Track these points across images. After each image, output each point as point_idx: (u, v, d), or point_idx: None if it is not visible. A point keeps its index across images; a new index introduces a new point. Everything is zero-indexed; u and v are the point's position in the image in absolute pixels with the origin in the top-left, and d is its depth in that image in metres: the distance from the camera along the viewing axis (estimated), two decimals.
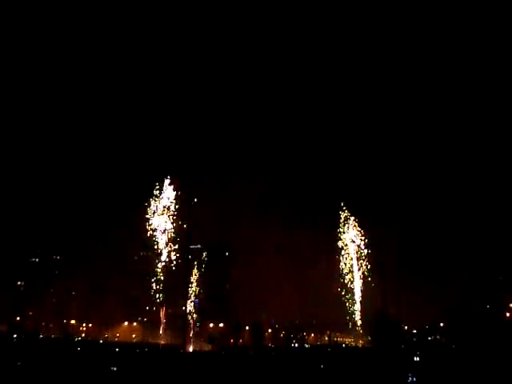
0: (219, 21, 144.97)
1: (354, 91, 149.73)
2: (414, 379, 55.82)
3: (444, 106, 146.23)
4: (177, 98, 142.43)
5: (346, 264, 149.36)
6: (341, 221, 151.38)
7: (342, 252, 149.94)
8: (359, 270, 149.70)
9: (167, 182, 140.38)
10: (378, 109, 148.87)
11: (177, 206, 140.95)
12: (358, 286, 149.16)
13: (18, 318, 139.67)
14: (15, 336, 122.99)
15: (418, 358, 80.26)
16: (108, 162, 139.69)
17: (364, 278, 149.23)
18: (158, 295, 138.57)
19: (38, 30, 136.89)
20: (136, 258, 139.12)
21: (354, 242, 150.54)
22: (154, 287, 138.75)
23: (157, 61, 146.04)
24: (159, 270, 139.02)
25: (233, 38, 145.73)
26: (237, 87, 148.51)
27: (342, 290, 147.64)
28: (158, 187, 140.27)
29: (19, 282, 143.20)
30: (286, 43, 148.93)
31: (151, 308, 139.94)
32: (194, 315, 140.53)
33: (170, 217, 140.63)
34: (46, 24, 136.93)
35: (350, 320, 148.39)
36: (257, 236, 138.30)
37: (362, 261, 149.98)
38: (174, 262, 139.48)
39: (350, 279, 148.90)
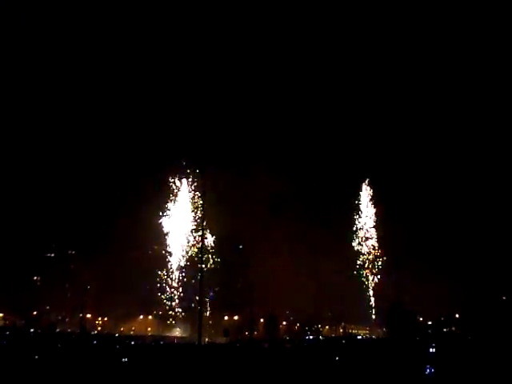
0: (222, 16, 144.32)
1: (364, 88, 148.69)
2: (433, 370, 55.42)
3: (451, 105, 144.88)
4: (194, 92, 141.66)
5: (360, 255, 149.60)
6: (355, 213, 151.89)
7: (357, 242, 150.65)
8: (374, 261, 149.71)
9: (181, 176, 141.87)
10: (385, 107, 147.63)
11: (191, 200, 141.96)
12: (372, 278, 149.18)
13: (35, 313, 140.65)
14: (32, 330, 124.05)
15: (433, 350, 79.86)
16: (122, 156, 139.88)
17: (379, 269, 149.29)
18: (172, 289, 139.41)
19: (37, 29, 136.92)
20: (150, 252, 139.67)
21: (368, 232, 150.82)
22: (169, 281, 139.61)
23: (165, 56, 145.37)
24: (173, 264, 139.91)
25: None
26: (252, 79, 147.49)
27: (356, 282, 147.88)
28: (171, 181, 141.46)
29: (35, 277, 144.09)
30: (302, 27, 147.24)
31: (166, 301, 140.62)
32: (209, 308, 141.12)
33: (184, 210, 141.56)
34: (46, 23, 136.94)
35: (364, 312, 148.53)
36: (271, 228, 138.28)
37: (376, 252, 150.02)
38: (188, 255, 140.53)
39: (364, 270, 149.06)
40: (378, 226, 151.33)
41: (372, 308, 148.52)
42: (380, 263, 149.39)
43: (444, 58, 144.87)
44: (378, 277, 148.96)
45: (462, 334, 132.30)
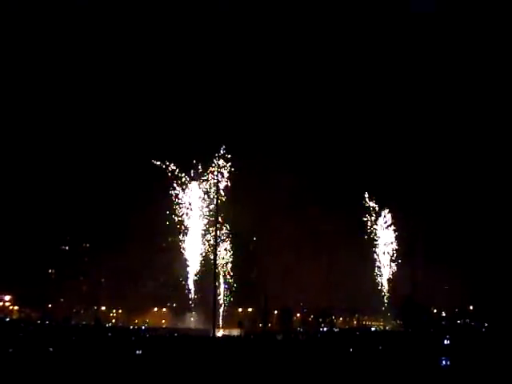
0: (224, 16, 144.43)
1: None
2: (448, 363, 55.14)
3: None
4: (212, 89, 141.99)
5: (374, 247, 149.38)
6: (367, 205, 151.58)
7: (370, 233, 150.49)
8: (388, 252, 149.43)
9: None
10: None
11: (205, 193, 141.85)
12: (386, 269, 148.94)
13: (50, 305, 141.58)
14: (47, 323, 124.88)
15: (448, 342, 79.68)
16: (137, 150, 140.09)
17: (393, 260, 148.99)
18: (186, 281, 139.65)
19: (37, 30, 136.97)
20: (164, 244, 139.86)
21: (381, 224, 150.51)
22: (183, 273, 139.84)
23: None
24: (187, 256, 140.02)
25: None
26: (274, 81, 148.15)
27: (370, 274, 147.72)
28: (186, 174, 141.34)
29: (50, 270, 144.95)
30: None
31: (180, 294, 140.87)
32: (223, 300, 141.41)
33: (199, 203, 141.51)
34: (46, 23, 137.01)
35: (378, 304, 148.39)
36: (285, 221, 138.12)
37: (390, 243, 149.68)
38: (202, 248, 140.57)
39: (378, 262, 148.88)
40: (391, 221, 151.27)
41: (386, 300, 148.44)
42: (394, 256, 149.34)
43: (447, 63, 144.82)
44: (392, 269, 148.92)
45: (476, 326, 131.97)
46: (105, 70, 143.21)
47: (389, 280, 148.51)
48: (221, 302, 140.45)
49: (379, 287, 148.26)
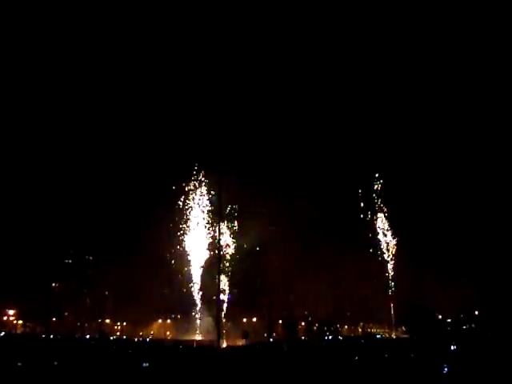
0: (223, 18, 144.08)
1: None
2: (449, 369, 55.10)
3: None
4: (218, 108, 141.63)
5: (377, 254, 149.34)
6: (370, 210, 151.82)
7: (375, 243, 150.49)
8: (391, 259, 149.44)
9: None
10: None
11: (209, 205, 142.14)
12: (390, 276, 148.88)
13: (54, 319, 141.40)
14: (52, 336, 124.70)
15: (454, 347, 79.55)
16: (141, 159, 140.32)
17: (397, 267, 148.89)
18: (190, 292, 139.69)
19: (37, 30, 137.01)
20: (168, 255, 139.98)
21: (385, 230, 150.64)
22: (187, 284, 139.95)
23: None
24: (191, 267, 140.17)
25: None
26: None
27: (375, 281, 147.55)
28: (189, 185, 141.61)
29: (54, 284, 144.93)
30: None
31: (184, 305, 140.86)
32: (227, 311, 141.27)
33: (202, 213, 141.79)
34: (46, 24, 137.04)
35: (383, 311, 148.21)
36: (288, 230, 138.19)
37: (394, 249, 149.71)
38: (206, 259, 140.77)
39: (382, 269, 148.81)
40: (394, 226, 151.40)
41: (391, 307, 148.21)
42: (398, 262, 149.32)
43: (450, 55, 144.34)
44: (396, 275, 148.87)
45: (482, 331, 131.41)
46: (115, 79, 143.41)
47: (393, 286, 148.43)
48: (225, 312, 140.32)
49: (383, 294, 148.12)
